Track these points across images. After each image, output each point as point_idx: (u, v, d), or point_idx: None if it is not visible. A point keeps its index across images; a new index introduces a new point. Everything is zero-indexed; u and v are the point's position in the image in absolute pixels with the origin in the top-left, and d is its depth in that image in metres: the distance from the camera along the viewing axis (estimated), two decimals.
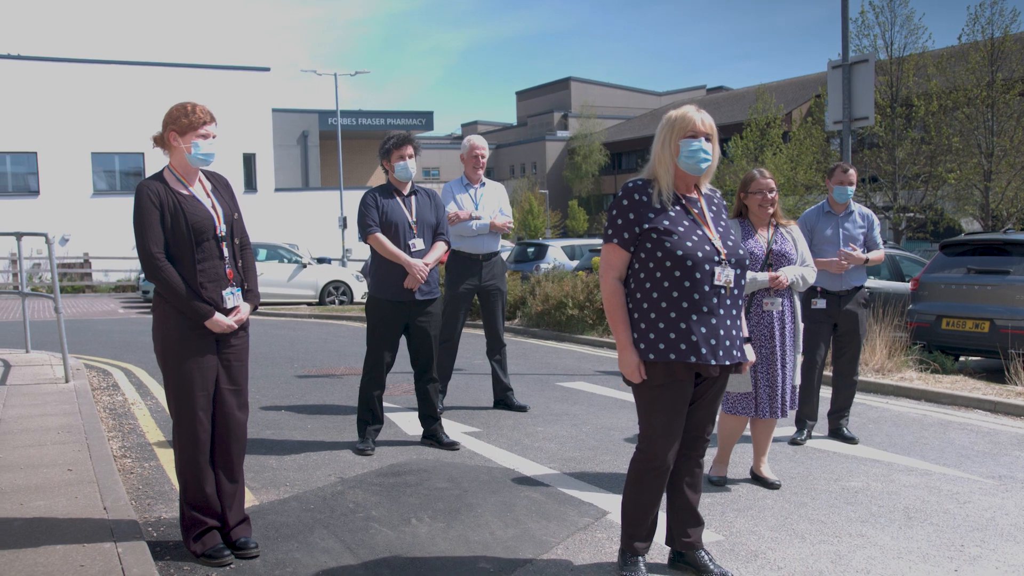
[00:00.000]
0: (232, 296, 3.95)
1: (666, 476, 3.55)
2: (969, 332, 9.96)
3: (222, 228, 3.95)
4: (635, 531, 3.60)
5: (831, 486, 5.29)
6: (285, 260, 21.74)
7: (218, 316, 3.88)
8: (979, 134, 26.36)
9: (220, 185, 4.12)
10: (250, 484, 5.16)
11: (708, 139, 3.51)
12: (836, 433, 6.55)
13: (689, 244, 3.40)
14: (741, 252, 3.53)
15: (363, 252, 30.30)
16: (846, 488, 5.25)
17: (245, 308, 4.04)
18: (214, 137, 3.94)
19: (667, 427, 3.47)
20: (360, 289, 21.44)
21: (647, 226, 3.43)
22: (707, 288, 3.40)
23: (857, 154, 28.15)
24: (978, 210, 27.45)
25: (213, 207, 3.97)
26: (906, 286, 11.82)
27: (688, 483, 3.65)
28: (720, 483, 5.31)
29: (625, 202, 3.48)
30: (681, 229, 3.43)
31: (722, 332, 3.43)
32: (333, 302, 21.29)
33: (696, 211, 3.54)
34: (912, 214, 29.35)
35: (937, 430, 6.91)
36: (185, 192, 3.92)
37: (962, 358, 10.58)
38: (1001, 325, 9.50)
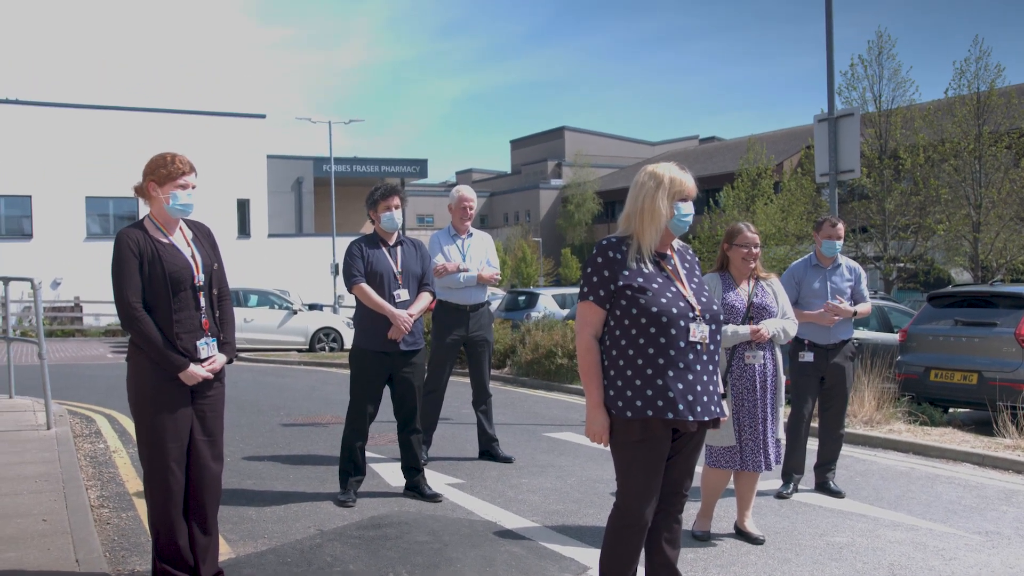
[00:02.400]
0: (206, 346, 3.93)
1: (644, 533, 3.50)
2: (957, 384, 9.95)
3: (200, 278, 3.94)
4: None
5: (816, 541, 5.23)
6: (276, 306, 21.70)
7: (192, 368, 3.86)
8: (967, 186, 26.60)
9: (201, 234, 4.12)
10: (228, 536, 5.09)
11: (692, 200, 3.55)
12: (823, 487, 6.50)
13: (664, 301, 3.40)
14: (715, 308, 3.53)
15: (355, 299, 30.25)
16: (831, 544, 5.19)
17: (220, 358, 4.01)
18: (193, 188, 3.94)
19: (645, 484, 3.43)
20: (351, 336, 21.34)
21: (622, 283, 3.42)
22: (682, 344, 3.39)
23: (847, 205, 28.34)
24: (968, 261, 27.58)
25: (192, 256, 3.96)
26: (895, 337, 11.83)
27: (667, 539, 3.60)
28: (704, 538, 5.25)
29: (600, 260, 3.47)
30: (655, 286, 3.43)
31: (699, 388, 3.41)
32: (323, 349, 21.21)
33: (670, 267, 3.55)
34: (902, 264, 29.49)
35: (924, 484, 6.86)
36: (165, 241, 3.92)
37: (951, 410, 10.55)
38: (989, 377, 9.50)
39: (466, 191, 7.40)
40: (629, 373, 3.38)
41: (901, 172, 28.24)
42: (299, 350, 21.11)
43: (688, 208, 3.54)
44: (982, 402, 9.42)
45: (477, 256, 7.34)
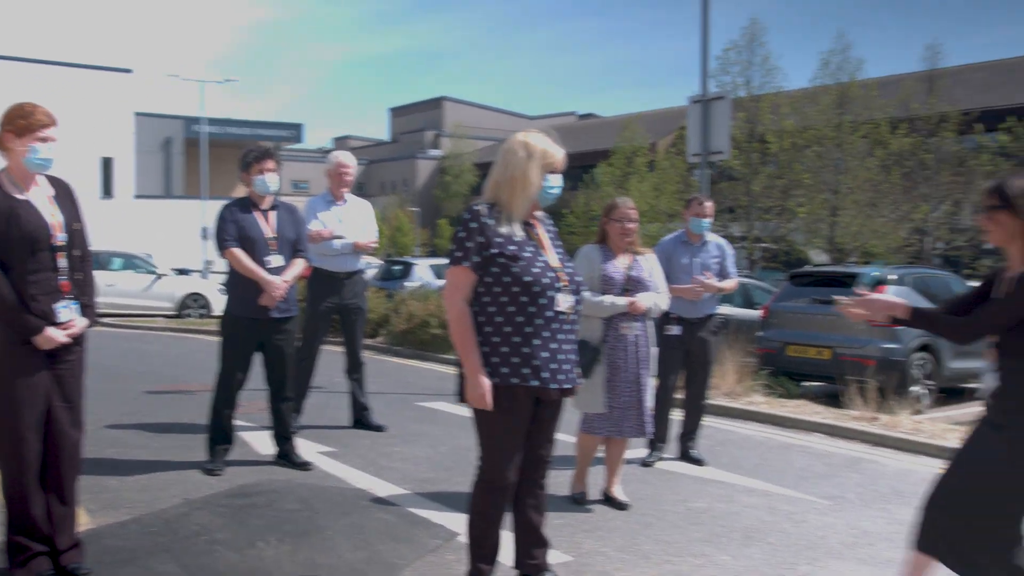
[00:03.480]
0: (65, 310, 3.76)
1: (508, 493, 3.58)
2: (812, 359, 10.52)
3: (60, 237, 3.75)
4: (480, 551, 3.62)
5: (677, 507, 5.46)
6: (141, 270, 20.91)
7: (49, 331, 3.68)
8: (827, 172, 27.96)
9: (62, 192, 3.91)
10: (88, 506, 4.90)
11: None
12: (685, 455, 6.77)
13: (536, 270, 3.45)
14: (578, 278, 3.63)
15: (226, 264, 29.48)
16: (691, 509, 5.42)
17: (80, 322, 3.85)
18: (54, 141, 3.74)
19: (508, 449, 3.51)
20: (221, 302, 20.80)
21: (495, 251, 3.44)
22: (550, 314, 3.46)
23: (716, 185, 29.29)
24: (825, 243, 29.03)
25: (51, 215, 3.78)
26: (757, 313, 12.36)
27: (532, 505, 3.68)
28: (581, 500, 5.44)
29: (474, 225, 3.46)
30: (527, 255, 3.48)
31: (561, 357, 3.50)
32: (192, 315, 20.57)
33: (536, 236, 3.60)
34: (766, 244, 30.79)
35: (779, 452, 7.23)
36: (21, 197, 3.71)
37: (805, 383, 11.12)
38: (841, 353, 10.08)
39: (344, 157, 7.29)
40: (496, 340, 3.42)
41: (767, 156, 29.44)
42: (166, 316, 20.41)
43: (557, 180, 3.58)
44: (834, 376, 9.98)
45: (354, 223, 7.25)
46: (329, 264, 7.13)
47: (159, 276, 20.77)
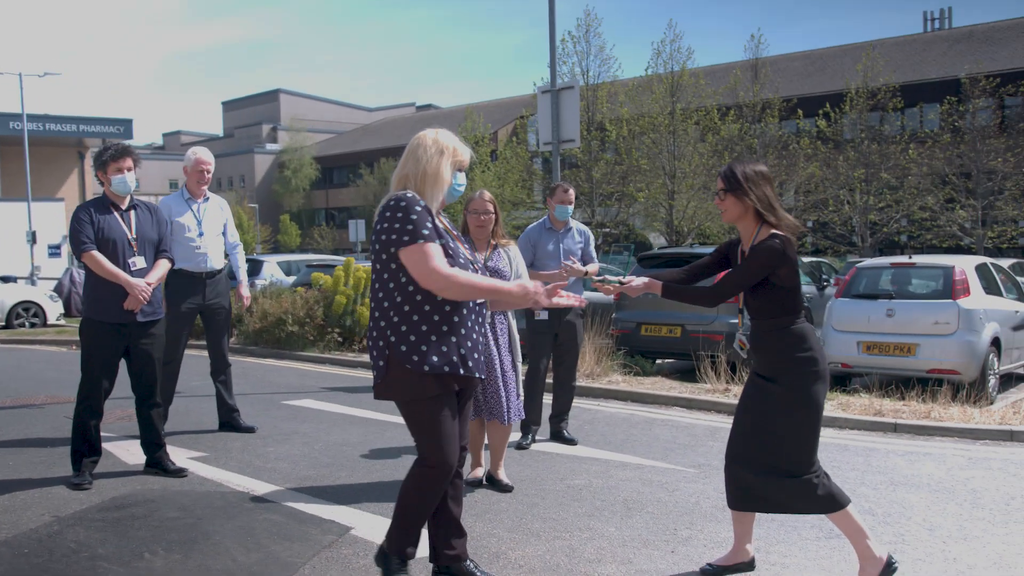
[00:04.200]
0: None
1: (450, 479, 3.64)
2: (664, 337, 11.02)
3: None
4: (411, 537, 3.65)
5: (558, 485, 5.65)
6: None
7: None
8: (663, 158, 29.10)
9: None
10: None
11: None
12: (557, 436, 6.99)
13: (463, 261, 3.57)
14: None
15: (54, 270, 27.83)
16: (571, 486, 5.63)
17: None
18: None
19: (451, 432, 3.56)
20: (55, 310, 19.68)
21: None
22: (472, 304, 3.59)
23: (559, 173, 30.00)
24: (663, 226, 30.22)
25: None
26: (609, 296, 12.79)
27: (451, 496, 3.74)
28: (475, 483, 5.59)
29: (419, 208, 3.46)
30: (453, 245, 3.58)
31: (480, 345, 3.62)
32: (23, 325, 19.31)
33: (448, 228, 3.69)
34: (608, 229, 31.75)
35: (644, 427, 7.57)
36: None
37: (659, 361, 11.63)
38: (691, 330, 10.60)
39: (204, 154, 7.09)
40: (424, 329, 3.47)
41: (606, 143, 30.34)
42: None
43: (463, 178, 3.72)
44: (686, 352, 10.49)
45: (213, 222, 7.07)
46: (189, 264, 6.92)
47: None
